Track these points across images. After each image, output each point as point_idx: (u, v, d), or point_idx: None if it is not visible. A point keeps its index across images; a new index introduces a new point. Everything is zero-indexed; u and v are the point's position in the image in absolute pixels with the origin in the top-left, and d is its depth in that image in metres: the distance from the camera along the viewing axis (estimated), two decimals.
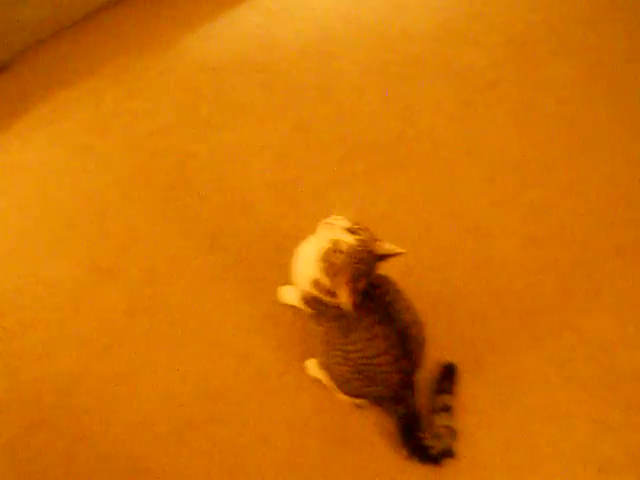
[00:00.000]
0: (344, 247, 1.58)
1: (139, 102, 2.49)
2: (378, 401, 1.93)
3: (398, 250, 1.62)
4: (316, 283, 1.70)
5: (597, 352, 2.12)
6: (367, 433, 1.97)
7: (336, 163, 2.41)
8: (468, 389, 2.03)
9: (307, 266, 1.73)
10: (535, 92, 2.63)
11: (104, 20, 2.73)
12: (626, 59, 2.74)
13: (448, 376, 2.02)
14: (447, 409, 1.94)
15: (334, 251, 1.59)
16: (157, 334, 2.09)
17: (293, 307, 2.11)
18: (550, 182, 2.42)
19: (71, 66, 2.63)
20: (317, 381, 2.01)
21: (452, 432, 1.89)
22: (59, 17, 2.61)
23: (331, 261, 1.60)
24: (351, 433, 1.97)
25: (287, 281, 2.06)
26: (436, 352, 1.93)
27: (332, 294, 1.66)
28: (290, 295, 2.11)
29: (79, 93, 2.56)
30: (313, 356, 2.00)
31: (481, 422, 1.99)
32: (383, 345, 1.73)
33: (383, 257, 1.64)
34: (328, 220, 1.65)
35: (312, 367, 2.02)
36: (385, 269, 1.70)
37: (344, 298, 1.59)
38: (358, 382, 1.83)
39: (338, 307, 1.69)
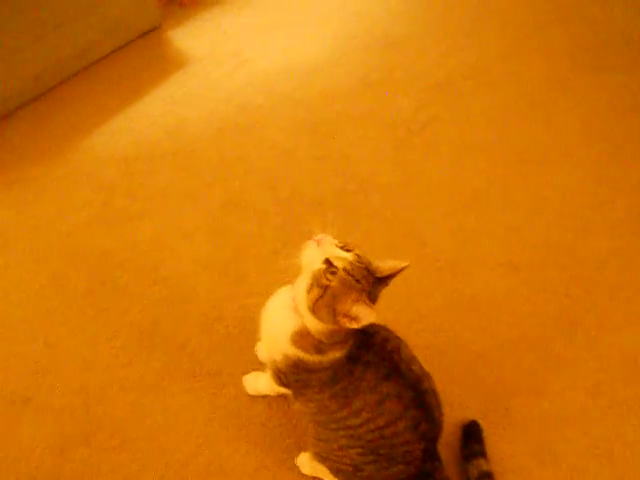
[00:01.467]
0: (341, 264, 1.24)
1: (41, 208, 2.16)
2: None
3: (403, 264, 1.27)
4: (299, 335, 1.34)
5: (628, 370, 1.84)
6: None
7: (278, 230, 2.12)
8: (500, 445, 1.69)
9: (283, 320, 1.37)
10: (468, 125, 2.53)
11: None
12: (545, 87, 2.72)
13: (474, 436, 1.67)
14: (485, 476, 1.55)
15: (331, 272, 1.24)
16: (95, 471, 1.63)
17: (265, 396, 1.73)
18: (515, 205, 2.26)
19: None
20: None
21: None
22: None
23: (328, 284, 1.24)
24: None
25: (250, 368, 1.79)
26: (450, 411, 1.56)
27: (327, 336, 1.30)
28: (258, 381, 1.74)
29: None
30: (305, 449, 1.62)
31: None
32: (397, 407, 1.35)
33: (386, 279, 1.29)
34: (316, 238, 1.30)
35: (307, 463, 1.62)
36: None
37: (365, 310, 1.21)
38: (373, 466, 1.43)
39: (327, 368, 1.33)
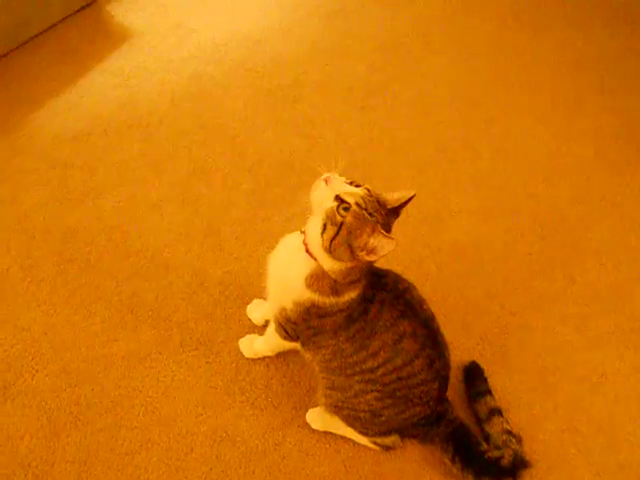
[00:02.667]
0: (353, 199, 1.22)
1: None
2: (415, 430, 1.52)
3: (410, 193, 1.26)
4: (314, 278, 1.30)
5: (609, 302, 1.92)
6: (412, 476, 1.56)
7: (249, 195, 2.07)
8: (500, 382, 1.72)
9: (295, 265, 1.33)
10: (423, 83, 2.56)
11: None
12: (493, 45, 2.81)
13: (476, 376, 1.69)
14: (495, 412, 1.60)
15: (343, 209, 1.21)
16: (93, 452, 1.53)
17: (263, 358, 1.68)
18: (479, 158, 2.32)
19: None
20: (327, 434, 1.58)
21: (515, 437, 1.53)
22: None
23: (342, 220, 1.21)
24: None
25: (242, 332, 1.75)
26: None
27: (344, 274, 1.27)
28: (254, 343, 1.69)
29: None
30: (314, 404, 1.58)
31: (534, 413, 1.70)
32: (414, 346, 1.35)
33: (397, 210, 1.28)
34: (323, 177, 1.26)
35: (317, 418, 1.59)
36: None
37: (383, 240, 1.19)
38: (391, 410, 1.42)
39: (343, 310, 1.31)
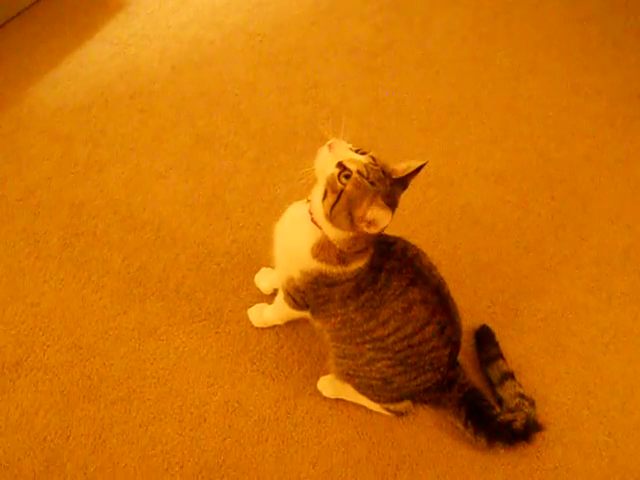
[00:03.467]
0: (354, 167, 1.18)
1: None
2: (427, 396, 1.52)
3: (419, 163, 1.22)
4: (320, 247, 1.28)
5: (621, 262, 1.89)
6: (425, 441, 1.55)
7: (254, 162, 2.03)
8: (512, 346, 1.72)
9: (301, 234, 1.31)
10: (430, 42, 2.49)
11: None
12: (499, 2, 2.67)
13: (488, 340, 1.68)
14: (508, 376, 1.59)
15: (345, 176, 1.18)
16: (107, 425, 1.54)
17: (273, 327, 1.67)
18: (488, 118, 2.26)
19: None
20: (339, 402, 1.58)
21: (528, 399, 1.53)
22: None
23: (342, 187, 1.18)
24: (410, 447, 1.56)
25: (251, 301, 1.74)
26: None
27: (349, 244, 1.25)
28: (263, 312, 1.68)
29: None
30: (325, 372, 1.58)
31: (546, 376, 1.70)
32: (424, 313, 1.33)
33: (405, 180, 1.24)
34: (328, 142, 1.22)
35: (329, 385, 1.58)
36: None
37: (380, 213, 1.16)
38: (402, 377, 1.41)
39: (351, 279, 1.30)
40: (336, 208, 1.19)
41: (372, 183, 1.18)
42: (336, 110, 2.20)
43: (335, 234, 1.25)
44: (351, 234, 1.23)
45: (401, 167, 1.24)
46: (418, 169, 1.22)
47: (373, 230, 1.19)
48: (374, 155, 1.23)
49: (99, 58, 2.29)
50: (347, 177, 1.18)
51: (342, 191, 1.18)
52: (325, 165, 1.22)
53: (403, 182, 1.24)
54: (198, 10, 2.49)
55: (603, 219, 2.00)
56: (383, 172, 1.21)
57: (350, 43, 2.43)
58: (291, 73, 2.31)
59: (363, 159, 1.21)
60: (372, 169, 1.20)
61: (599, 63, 2.47)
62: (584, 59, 2.48)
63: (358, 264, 1.30)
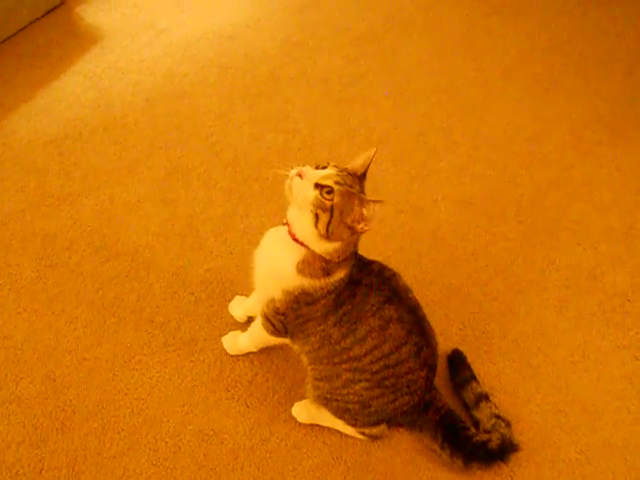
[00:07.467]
0: (331, 181, 1.26)
1: None
2: (403, 419, 1.54)
3: (372, 151, 1.36)
4: (305, 263, 1.33)
5: (588, 283, 1.94)
6: (400, 464, 1.57)
7: (227, 193, 2.06)
8: (484, 367, 1.74)
9: (283, 255, 1.36)
10: (399, 74, 2.57)
11: None
12: (466, 33, 2.82)
13: (460, 363, 1.70)
14: (482, 398, 1.61)
15: (327, 192, 1.25)
16: (81, 457, 1.53)
17: (247, 354, 1.69)
18: (456, 145, 2.33)
19: None
20: (314, 427, 1.59)
21: (504, 420, 1.55)
22: None
23: (331, 203, 1.25)
24: (385, 471, 1.57)
25: (225, 329, 1.76)
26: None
27: (342, 251, 1.32)
28: (238, 339, 1.70)
29: None
30: (299, 398, 1.60)
31: (518, 396, 1.73)
32: (400, 332, 1.38)
33: (364, 173, 1.36)
34: (293, 173, 1.28)
35: (303, 411, 1.60)
36: None
37: (374, 206, 1.25)
38: (379, 400, 1.44)
39: (332, 291, 1.35)
40: (333, 224, 1.26)
41: (351, 186, 1.27)
42: (307, 139, 2.25)
43: (326, 247, 1.30)
44: (346, 241, 1.30)
45: (359, 163, 1.35)
46: (372, 158, 1.35)
47: (370, 226, 1.28)
48: (335, 164, 1.32)
49: (73, 91, 2.32)
50: (329, 192, 1.25)
51: (332, 206, 1.24)
52: (304, 193, 1.27)
53: (364, 175, 1.36)
54: (171, 44, 2.53)
55: (569, 241, 2.06)
56: (350, 174, 1.30)
57: (321, 74, 2.49)
58: (263, 104, 2.35)
59: (332, 171, 1.29)
60: (343, 176, 1.28)
61: (562, 90, 2.56)
62: (548, 87, 2.56)
63: (340, 274, 1.35)
